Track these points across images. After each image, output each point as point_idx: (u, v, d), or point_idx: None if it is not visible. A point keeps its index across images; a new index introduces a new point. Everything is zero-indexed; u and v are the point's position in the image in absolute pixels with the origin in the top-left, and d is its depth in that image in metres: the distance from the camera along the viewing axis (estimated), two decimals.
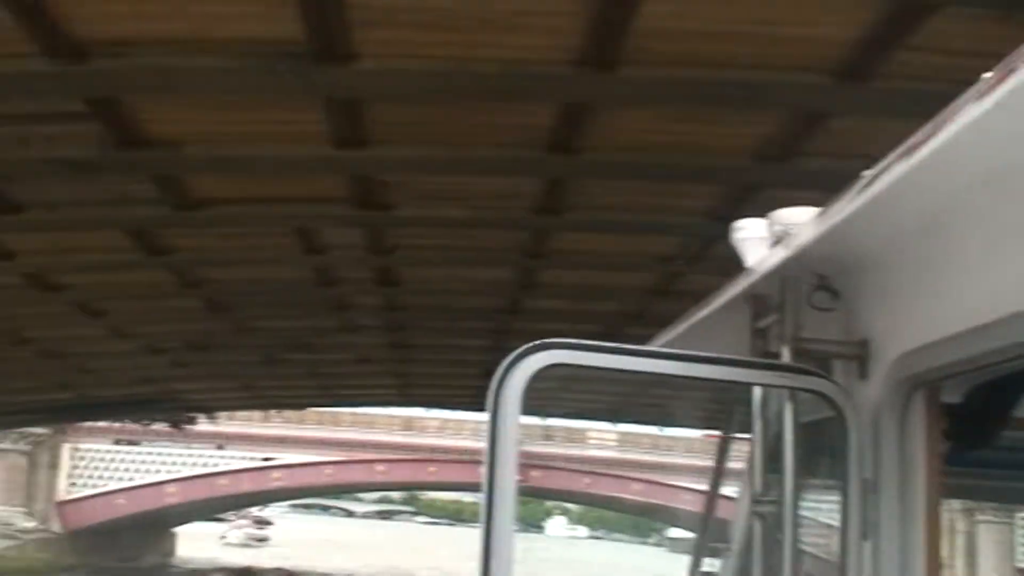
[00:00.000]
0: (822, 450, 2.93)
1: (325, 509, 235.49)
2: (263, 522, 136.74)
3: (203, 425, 72.08)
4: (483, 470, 2.51)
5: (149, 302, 17.37)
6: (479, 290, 17.11)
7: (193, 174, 11.50)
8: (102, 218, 12.98)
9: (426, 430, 73.59)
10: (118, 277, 15.82)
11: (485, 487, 2.51)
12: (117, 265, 15.00)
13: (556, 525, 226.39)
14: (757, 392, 3.12)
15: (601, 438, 76.03)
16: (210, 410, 31.31)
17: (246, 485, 71.62)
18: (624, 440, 78.33)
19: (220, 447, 71.74)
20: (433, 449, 72.41)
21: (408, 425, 73.43)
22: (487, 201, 12.35)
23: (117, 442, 71.96)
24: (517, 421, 2.52)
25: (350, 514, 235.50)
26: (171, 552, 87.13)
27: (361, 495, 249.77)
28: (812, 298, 2.92)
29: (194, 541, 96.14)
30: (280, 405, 31.03)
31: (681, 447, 74.60)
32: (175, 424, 33.30)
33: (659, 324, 4.19)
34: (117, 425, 71.81)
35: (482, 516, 2.52)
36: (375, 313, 18.46)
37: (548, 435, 72.68)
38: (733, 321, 3.19)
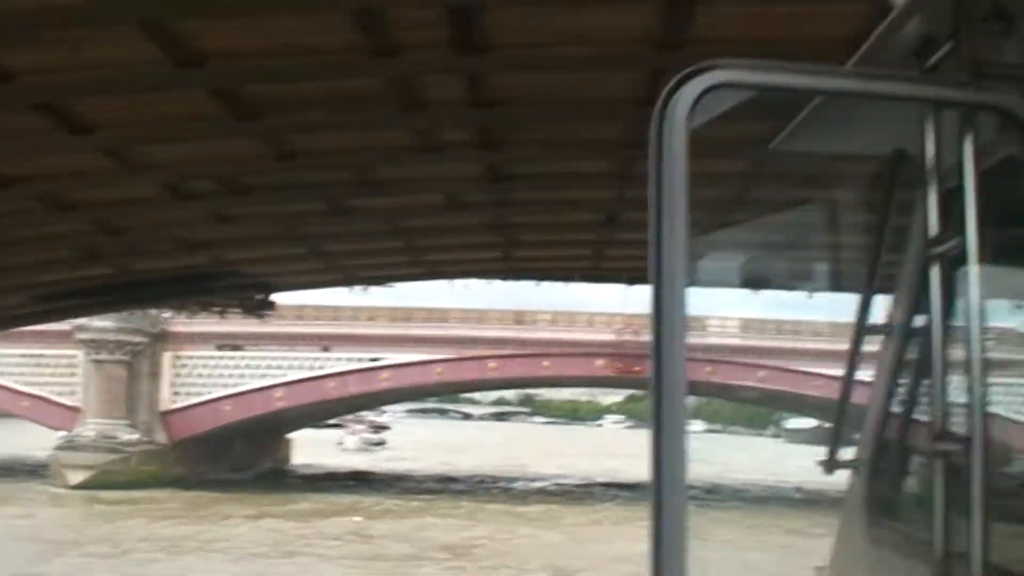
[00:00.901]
0: (1005, 199, 2.63)
1: (442, 413, 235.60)
2: (380, 427, 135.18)
3: (308, 326, 69.00)
4: (649, 217, 2.10)
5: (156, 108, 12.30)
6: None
7: None
8: None
9: (538, 323, 68.55)
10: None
11: (652, 240, 2.09)
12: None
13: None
14: (930, 133, 2.62)
15: (723, 324, 70.15)
16: (279, 288, 26.36)
17: (354, 387, 67.59)
18: (747, 327, 72.53)
19: (326, 349, 67.75)
20: (547, 343, 67.49)
21: (519, 319, 68.50)
22: None
23: (219, 347, 68.40)
24: (684, 156, 2.09)
25: (467, 417, 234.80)
26: (285, 459, 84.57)
27: (477, 398, 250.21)
28: (986, 26, 2.65)
29: (309, 448, 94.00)
30: (363, 279, 25.87)
31: (807, 331, 69.12)
32: (249, 308, 28.41)
33: None
34: (218, 330, 68.39)
35: (652, 286, 2.07)
36: (462, 118, 13.14)
37: None
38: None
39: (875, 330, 3.60)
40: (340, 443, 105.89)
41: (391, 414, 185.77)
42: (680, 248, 2.06)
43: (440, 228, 19.26)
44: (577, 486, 73.60)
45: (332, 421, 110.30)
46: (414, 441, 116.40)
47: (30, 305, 21.88)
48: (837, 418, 3.79)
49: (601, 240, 20.37)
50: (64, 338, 67.37)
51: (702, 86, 2.13)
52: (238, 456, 71.03)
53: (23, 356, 69.03)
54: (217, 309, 28.22)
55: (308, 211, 17.31)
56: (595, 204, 17.58)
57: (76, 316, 27.83)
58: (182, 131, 13.05)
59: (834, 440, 3.76)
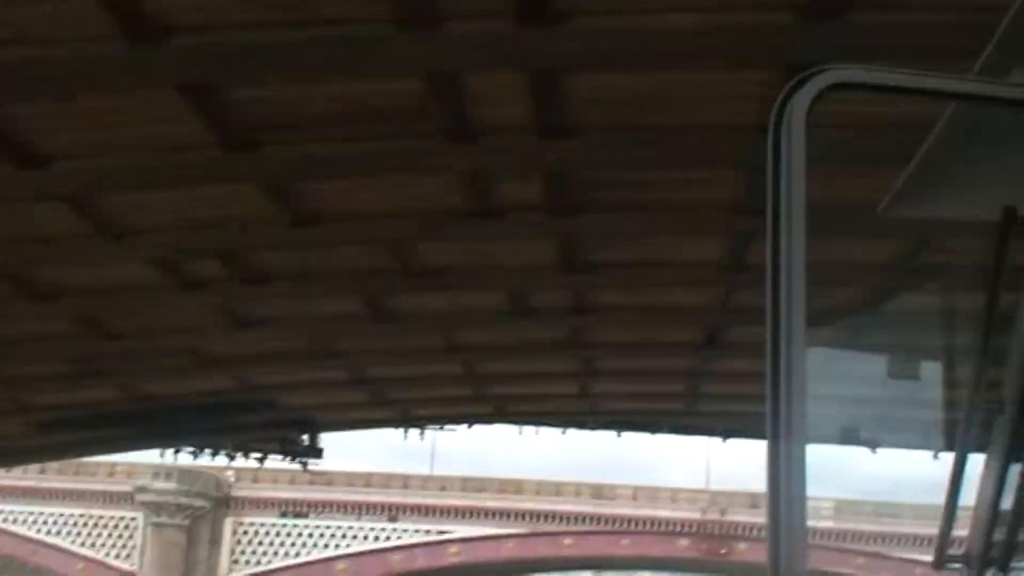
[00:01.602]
0: None
1: None
2: None
3: (376, 494, 65.14)
4: (767, 231, 1.93)
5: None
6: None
7: None
8: None
9: (617, 499, 63.96)
10: None
11: (769, 266, 1.92)
12: None
13: None
14: None
15: (815, 505, 65.03)
16: (324, 426, 22.85)
17: (421, 561, 63.23)
18: (841, 508, 67.26)
19: (393, 519, 63.71)
20: (626, 519, 62.84)
21: (597, 493, 64.06)
22: None
23: (283, 514, 64.73)
24: (803, 159, 1.98)
25: None
26: None
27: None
28: None
29: None
30: (420, 420, 22.35)
31: (909, 515, 63.90)
32: (292, 452, 24.83)
33: None
34: (283, 496, 65.01)
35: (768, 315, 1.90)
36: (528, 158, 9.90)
37: (756, 503, 62.43)
38: None
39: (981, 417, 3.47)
40: None
41: None
42: (799, 288, 1.90)
43: (505, 346, 15.78)
44: None
45: None
46: None
47: (31, 435, 18.68)
48: (945, 513, 3.67)
49: (697, 370, 16.75)
50: (126, 500, 64.43)
51: (821, 85, 2.06)
52: None
53: (81, 516, 66.03)
54: (257, 454, 24.62)
55: (342, 314, 14.04)
56: (694, 313, 14.07)
57: (86, 453, 24.43)
58: (173, 175, 9.95)
59: (943, 536, 3.67)
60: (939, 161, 2.76)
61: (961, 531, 3.86)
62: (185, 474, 64.51)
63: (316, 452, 24.76)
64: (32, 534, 65.97)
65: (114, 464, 78.32)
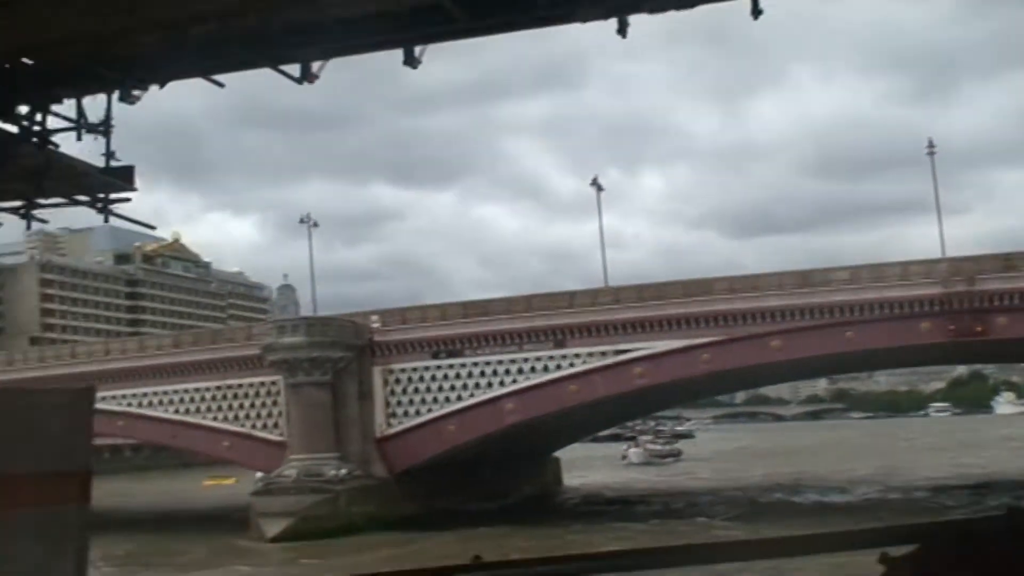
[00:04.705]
0: None
1: (751, 416, 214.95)
2: (677, 436, 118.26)
3: (538, 318, 52.83)
4: None
5: None
6: None
7: None
8: None
9: (832, 285, 49.57)
10: None
11: None
12: None
13: (1005, 403, 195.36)
14: None
15: None
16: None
17: (602, 388, 50.93)
18: None
19: (559, 344, 51.44)
20: (846, 308, 48.59)
21: (804, 281, 49.81)
22: None
23: (435, 355, 53.38)
24: None
25: (779, 419, 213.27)
26: (554, 482, 69.14)
27: (786, 397, 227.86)
28: None
29: (584, 466, 78.39)
30: None
31: None
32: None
33: None
34: (433, 334, 53.64)
35: None
36: None
37: (1011, 265, 47.16)
38: None
39: None
40: (624, 457, 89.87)
41: (696, 422, 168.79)
42: None
43: None
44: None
45: (606, 433, 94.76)
46: (711, 452, 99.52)
47: None
48: None
49: None
50: (262, 364, 54.49)
51: None
52: (487, 483, 55.83)
53: (218, 388, 56.50)
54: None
55: None
56: None
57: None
58: None
59: None
60: None
61: None
62: (315, 324, 53.83)
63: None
64: (171, 415, 56.95)
65: (250, 325, 68.92)
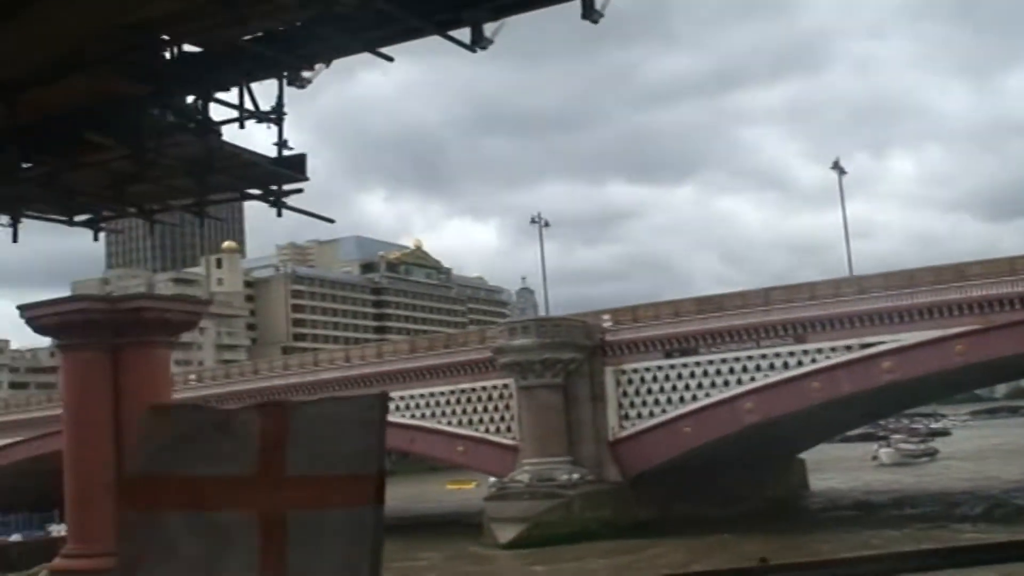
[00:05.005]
0: None
1: (1013, 411, 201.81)
2: (934, 433, 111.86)
3: (776, 312, 49.96)
4: None
5: None
6: None
7: None
8: None
9: None
10: None
11: None
12: None
13: None
14: None
15: None
16: None
17: (847, 384, 47.80)
18: None
19: (799, 339, 48.57)
20: None
21: None
22: None
23: (668, 354, 51.46)
24: None
25: None
26: (799, 485, 65.93)
27: None
28: None
29: (831, 467, 74.73)
30: None
31: None
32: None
33: None
34: (665, 332, 51.75)
35: None
36: None
37: None
38: None
39: None
40: (874, 458, 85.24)
41: (952, 418, 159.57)
42: None
43: None
44: None
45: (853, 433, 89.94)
46: (974, 448, 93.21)
47: None
48: None
49: None
50: (493, 367, 54.01)
51: None
52: (727, 487, 53.41)
53: (452, 392, 56.35)
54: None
55: None
56: None
57: None
58: None
59: None
60: None
61: None
62: (545, 325, 52.84)
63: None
64: (408, 420, 57.15)
65: (483, 329, 68.63)
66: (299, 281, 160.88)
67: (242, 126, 11.36)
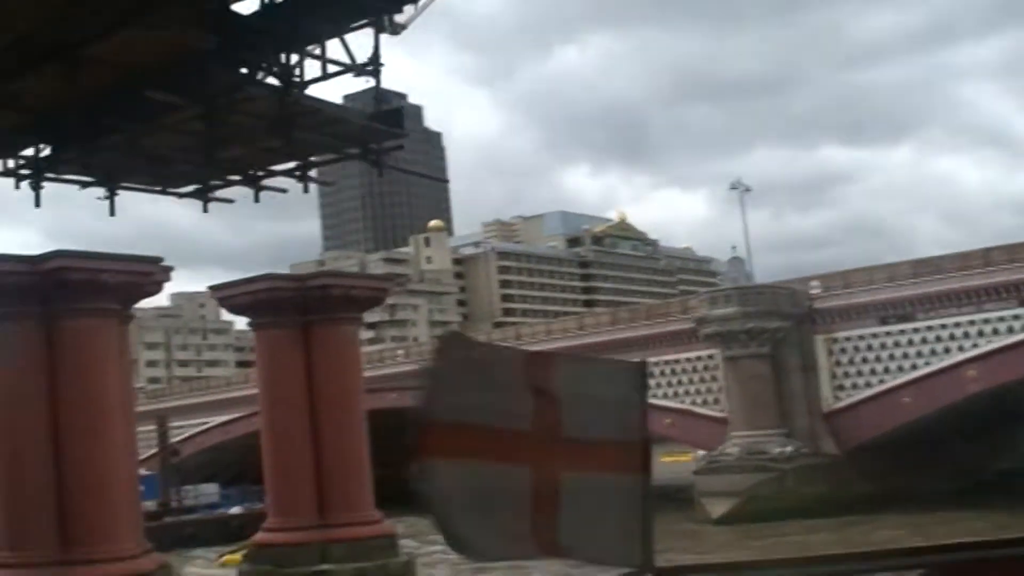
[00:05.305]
0: None
1: None
2: None
3: (995, 274, 46.56)
4: None
5: None
6: None
7: None
8: None
9: None
10: None
11: None
12: None
13: None
14: None
15: None
16: None
17: None
18: None
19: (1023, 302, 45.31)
20: None
21: None
22: None
23: (884, 320, 48.85)
24: None
25: None
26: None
27: None
28: None
29: None
30: None
31: None
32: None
33: None
34: (880, 298, 49.11)
35: None
36: None
37: None
38: None
39: None
40: None
41: None
42: None
43: None
44: None
45: None
46: None
47: None
48: None
49: None
50: (696, 338, 52.57)
51: None
52: (954, 460, 50.44)
53: (656, 364, 55.04)
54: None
55: None
56: None
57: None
58: None
59: None
60: None
61: None
62: (748, 293, 51.01)
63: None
64: None
65: (685, 299, 66.81)
66: (506, 257, 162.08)
67: (325, 77, 10.58)
